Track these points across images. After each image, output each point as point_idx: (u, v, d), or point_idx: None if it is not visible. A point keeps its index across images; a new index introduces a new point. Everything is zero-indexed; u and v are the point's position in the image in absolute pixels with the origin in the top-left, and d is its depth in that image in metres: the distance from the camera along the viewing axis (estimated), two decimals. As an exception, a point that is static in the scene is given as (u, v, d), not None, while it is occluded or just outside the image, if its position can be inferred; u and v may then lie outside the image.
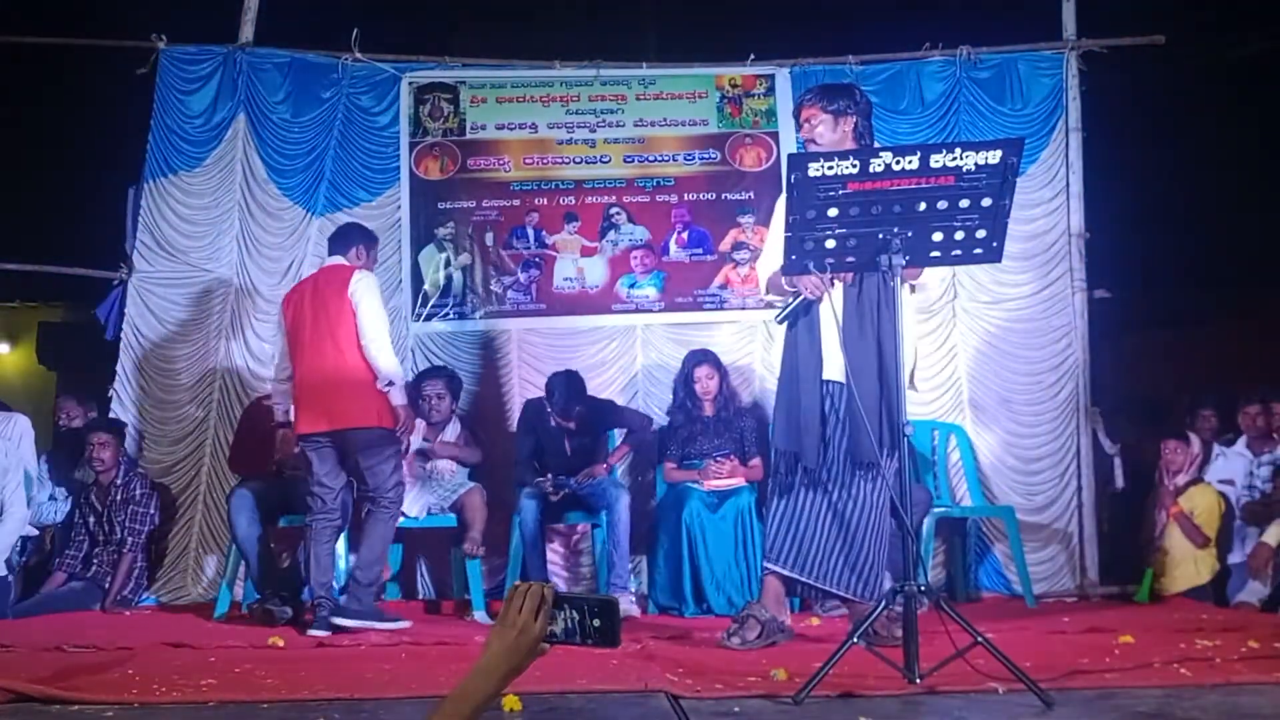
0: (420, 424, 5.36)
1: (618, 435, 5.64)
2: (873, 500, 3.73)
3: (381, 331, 4.55)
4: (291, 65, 6.10)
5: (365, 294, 4.56)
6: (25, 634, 4.19)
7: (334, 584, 4.62)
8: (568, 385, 5.34)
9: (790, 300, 3.74)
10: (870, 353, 3.61)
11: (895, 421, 3.36)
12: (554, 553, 5.75)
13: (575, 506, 5.35)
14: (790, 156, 3.28)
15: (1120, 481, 5.98)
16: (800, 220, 3.16)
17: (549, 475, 5.25)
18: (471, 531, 5.14)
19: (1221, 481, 5.54)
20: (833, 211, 3.12)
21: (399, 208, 6.06)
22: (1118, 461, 6.03)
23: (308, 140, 6.06)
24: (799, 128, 3.97)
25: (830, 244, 3.19)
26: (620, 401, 5.85)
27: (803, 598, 4.83)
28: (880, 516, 3.75)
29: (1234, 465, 5.57)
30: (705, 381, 5.51)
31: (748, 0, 8.15)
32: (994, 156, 3.05)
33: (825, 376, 3.75)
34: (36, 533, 5.44)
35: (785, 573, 3.79)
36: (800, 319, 3.78)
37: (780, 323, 3.82)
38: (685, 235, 6.09)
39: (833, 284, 3.57)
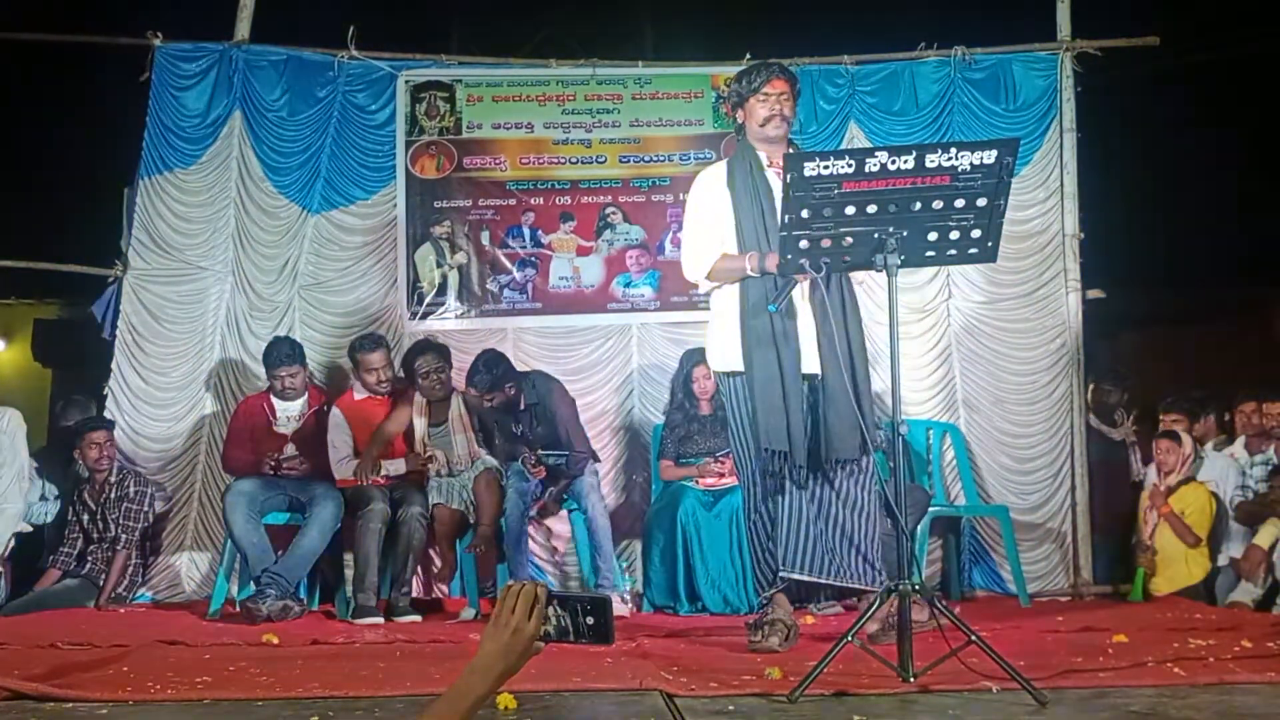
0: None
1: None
2: (859, 489, 3.76)
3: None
4: (287, 63, 6.10)
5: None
6: (20, 631, 4.17)
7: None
8: (487, 365, 5.19)
9: (783, 285, 3.66)
10: (842, 347, 3.65)
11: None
12: (538, 546, 5.68)
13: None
14: (786, 156, 3.28)
15: (1139, 470, 5.91)
16: (795, 220, 3.15)
17: (528, 453, 5.15)
18: (481, 525, 5.06)
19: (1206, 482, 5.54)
20: (828, 211, 3.12)
21: (395, 206, 6.05)
22: (1134, 448, 6.00)
23: (304, 138, 6.05)
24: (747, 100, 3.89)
25: (825, 243, 3.19)
26: (614, 401, 5.88)
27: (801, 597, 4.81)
28: (871, 500, 3.77)
29: (1220, 466, 5.55)
30: (703, 381, 5.50)
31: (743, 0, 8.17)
32: (989, 156, 3.06)
33: (805, 371, 3.72)
34: (31, 529, 5.42)
35: (801, 578, 3.73)
36: (773, 316, 3.70)
37: (776, 311, 3.70)
38: (681, 235, 6.08)
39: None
